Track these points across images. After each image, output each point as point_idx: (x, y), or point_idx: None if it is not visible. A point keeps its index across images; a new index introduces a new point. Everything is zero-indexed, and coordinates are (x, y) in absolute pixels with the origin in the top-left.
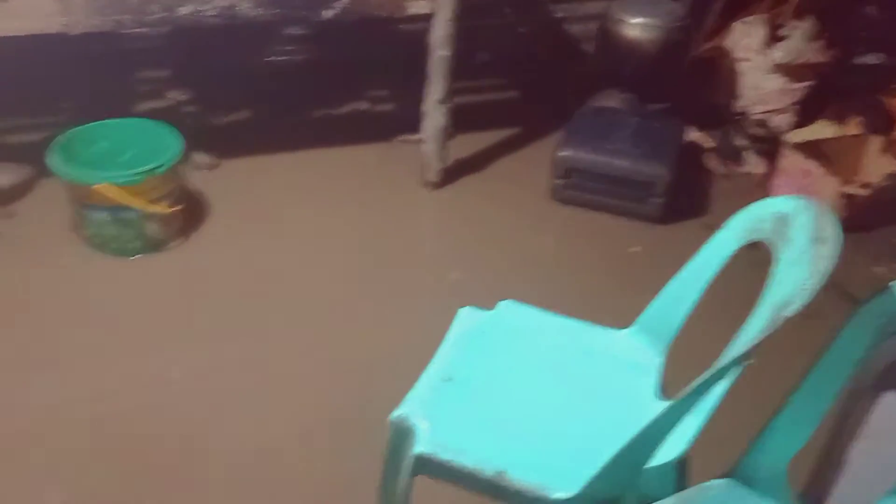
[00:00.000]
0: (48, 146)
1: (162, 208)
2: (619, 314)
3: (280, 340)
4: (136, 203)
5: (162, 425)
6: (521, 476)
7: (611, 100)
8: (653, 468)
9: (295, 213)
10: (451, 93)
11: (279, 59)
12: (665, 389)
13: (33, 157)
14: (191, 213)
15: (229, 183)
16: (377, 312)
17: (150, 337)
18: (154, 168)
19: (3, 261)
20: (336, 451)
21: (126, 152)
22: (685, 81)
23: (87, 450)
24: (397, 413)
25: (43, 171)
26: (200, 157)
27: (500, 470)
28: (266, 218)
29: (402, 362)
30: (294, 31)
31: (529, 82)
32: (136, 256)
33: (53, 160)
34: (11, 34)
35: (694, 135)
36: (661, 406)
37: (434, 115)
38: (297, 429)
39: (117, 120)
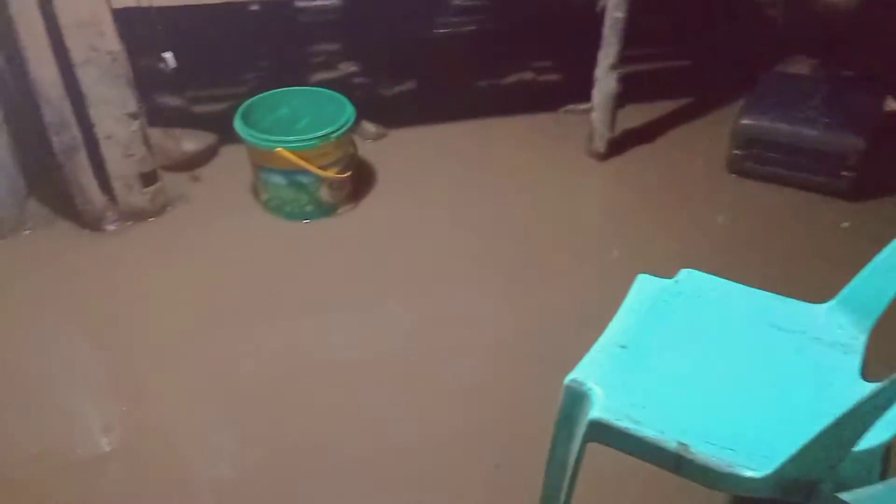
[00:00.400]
0: (232, 114)
1: (333, 173)
2: (810, 292)
3: (447, 307)
4: (311, 167)
5: (328, 390)
6: (707, 450)
7: (798, 66)
8: (857, 452)
9: (460, 182)
10: (624, 58)
11: (446, 30)
12: (866, 369)
13: (218, 126)
14: (360, 179)
15: (396, 152)
16: (546, 282)
17: (319, 298)
18: (327, 134)
19: (188, 221)
20: (505, 418)
21: (302, 119)
22: (887, 44)
23: (266, 406)
24: (571, 377)
25: (226, 139)
26: (369, 127)
27: (683, 442)
28: (431, 186)
29: (574, 330)
30: (462, 1)
31: (705, 48)
32: (309, 220)
33: (238, 124)
34: (202, 2)
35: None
36: (865, 387)
37: (605, 81)
38: (463, 396)
39: (295, 88)
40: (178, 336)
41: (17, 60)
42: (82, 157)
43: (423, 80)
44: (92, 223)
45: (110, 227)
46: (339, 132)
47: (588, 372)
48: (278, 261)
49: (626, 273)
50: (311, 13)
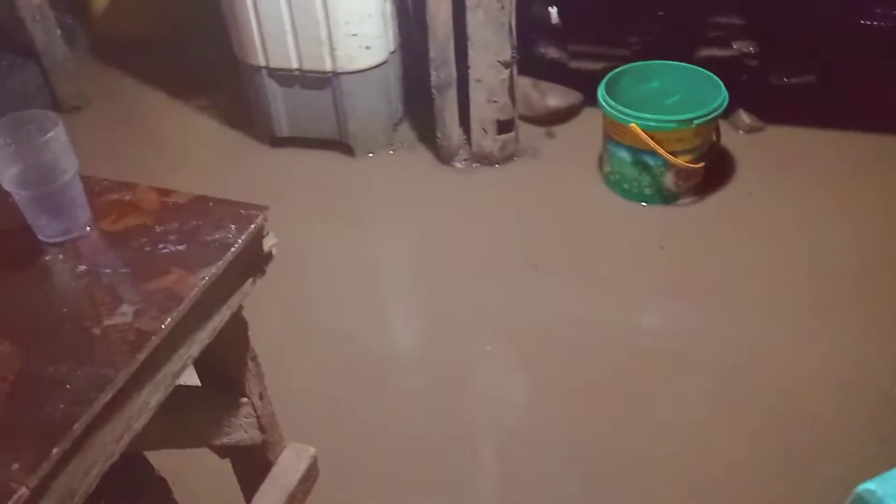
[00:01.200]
0: (602, 77)
1: (684, 161)
2: None
3: (783, 327)
4: (661, 150)
5: (644, 374)
6: None
7: None
8: None
9: (829, 199)
10: None
11: (872, 22)
12: None
13: (588, 85)
14: (714, 171)
15: (767, 150)
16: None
17: (642, 283)
18: (689, 119)
19: (528, 175)
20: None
21: (672, 96)
22: None
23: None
24: (865, 487)
25: (591, 101)
26: (744, 117)
27: None
28: (797, 196)
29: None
30: None
31: None
32: (646, 203)
33: (601, 90)
34: None
35: None
36: None
37: None
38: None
39: (671, 63)
40: (477, 277)
41: None
42: (452, 95)
43: (825, 75)
44: (444, 157)
45: (458, 165)
46: (701, 120)
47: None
48: (601, 236)
49: None
50: None
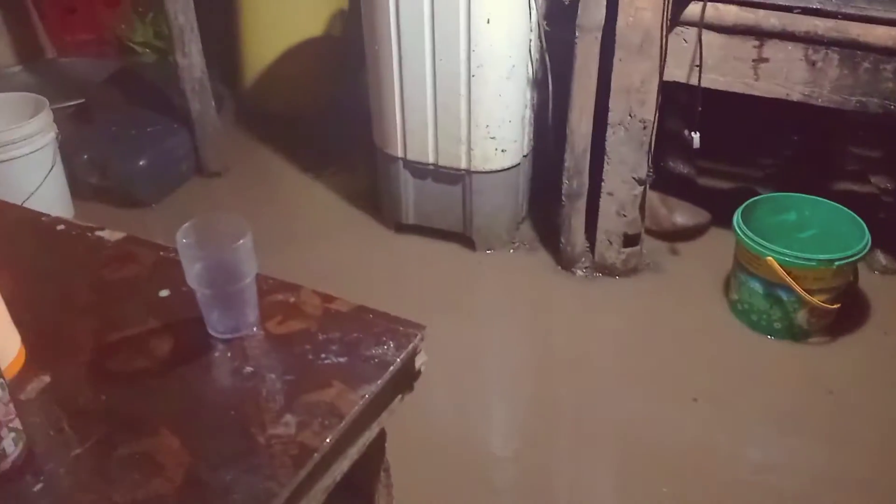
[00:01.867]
0: (736, 196)
1: (820, 300)
2: None
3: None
4: (797, 287)
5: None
6: None
7: None
8: None
9: None
10: None
11: None
12: None
13: (717, 204)
14: (847, 312)
15: None
16: None
17: (775, 426)
18: (830, 260)
19: (650, 291)
20: None
21: (808, 230)
22: None
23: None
24: None
25: (719, 221)
26: (881, 258)
27: None
28: None
29: None
30: None
31: None
32: (772, 338)
33: (736, 218)
34: (758, 93)
35: None
36: None
37: None
38: None
39: (810, 197)
40: (587, 394)
41: (560, 107)
42: (581, 204)
43: None
44: (565, 262)
45: (579, 273)
46: (843, 261)
47: None
48: (726, 367)
49: None
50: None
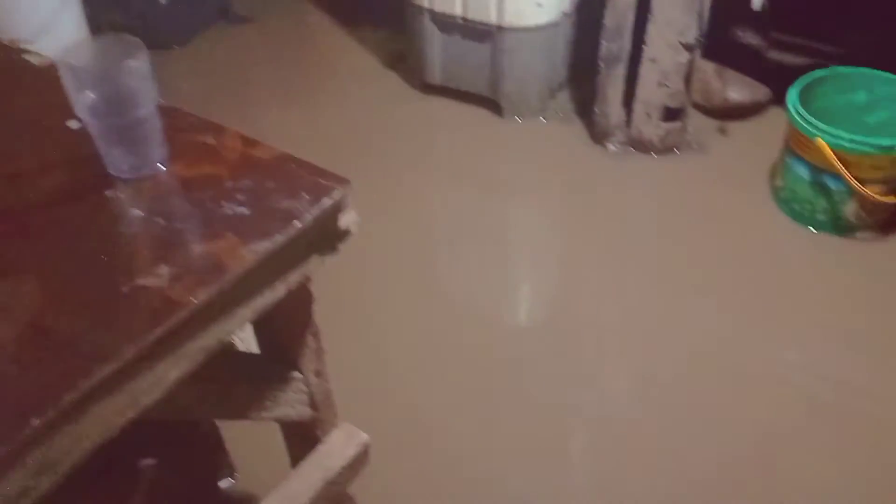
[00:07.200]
0: (802, 75)
1: (873, 191)
2: None
3: None
4: (847, 175)
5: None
6: None
7: None
8: None
9: None
10: None
11: None
12: None
13: (782, 81)
14: None
15: None
16: None
17: (803, 322)
18: (891, 146)
19: (685, 171)
20: None
21: (878, 113)
22: None
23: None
24: None
25: (780, 100)
26: None
27: None
28: None
29: None
30: None
31: None
32: (815, 230)
33: (791, 94)
34: None
35: None
36: None
37: None
38: None
39: (884, 74)
40: (610, 283)
41: None
42: (619, 70)
43: None
44: (598, 135)
45: (611, 147)
46: None
47: None
48: (757, 258)
49: None
50: None
